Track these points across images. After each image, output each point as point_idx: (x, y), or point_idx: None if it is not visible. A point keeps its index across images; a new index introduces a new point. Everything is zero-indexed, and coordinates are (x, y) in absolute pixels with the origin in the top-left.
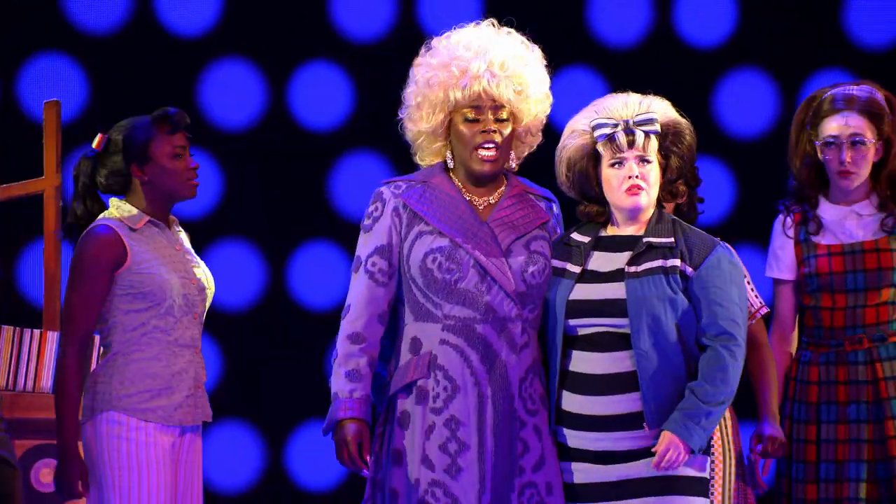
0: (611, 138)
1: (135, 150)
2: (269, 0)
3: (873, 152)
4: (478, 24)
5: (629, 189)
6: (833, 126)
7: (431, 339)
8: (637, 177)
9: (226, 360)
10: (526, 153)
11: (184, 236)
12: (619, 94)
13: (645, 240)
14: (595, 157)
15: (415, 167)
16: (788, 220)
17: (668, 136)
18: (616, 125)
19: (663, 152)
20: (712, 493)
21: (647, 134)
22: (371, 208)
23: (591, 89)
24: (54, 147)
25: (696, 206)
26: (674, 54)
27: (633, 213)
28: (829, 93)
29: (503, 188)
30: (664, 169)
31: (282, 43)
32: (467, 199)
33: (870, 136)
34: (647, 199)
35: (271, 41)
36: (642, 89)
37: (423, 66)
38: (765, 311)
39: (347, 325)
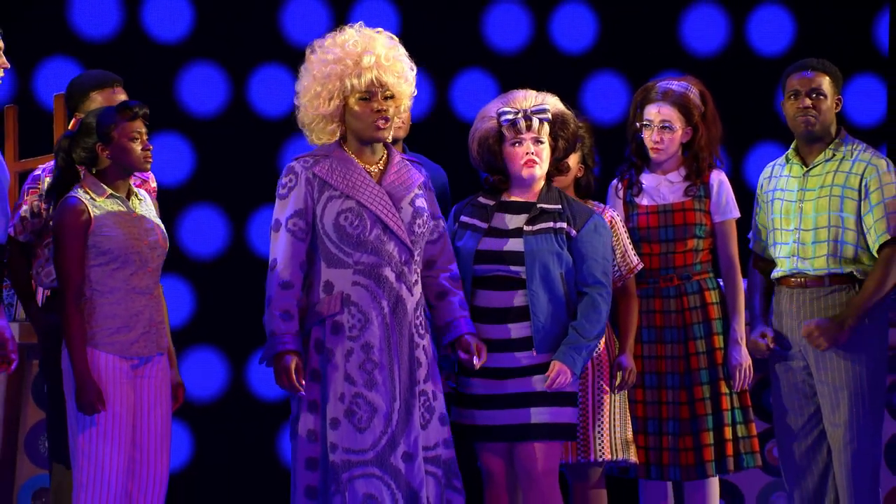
0: (513, 123)
1: (101, 132)
2: (233, 14)
3: (680, 135)
4: (351, 26)
5: (526, 163)
6: (650, 112)
7: (343, 282)
8: (532, 153)
9: (198, 298)
10: (402, 124)
11: (146, 204)
12: (521, 90)
13: (539, 205)
14: (500, 138)
15: None
16: (619, 184)
17: (556, 124)
18: (517, 113)
19: (553, 136)
20: (601, 401)
21: (540, 121)
22: (286, 179)
23: (485, 88)
24: (62, 130)
25: (591, 182)
26: (549, 58)
27: (529, 182)
28: (657, 83)
29: (385, 157)
30: (553, 149)
31: (243, 48)
32: (362, 166)
33: (677, 123)
34: (540, 170)
35: (234, 47)
36: (527, 88)
37: (318, 63)
38: (640, 267)
39: (277, 276)
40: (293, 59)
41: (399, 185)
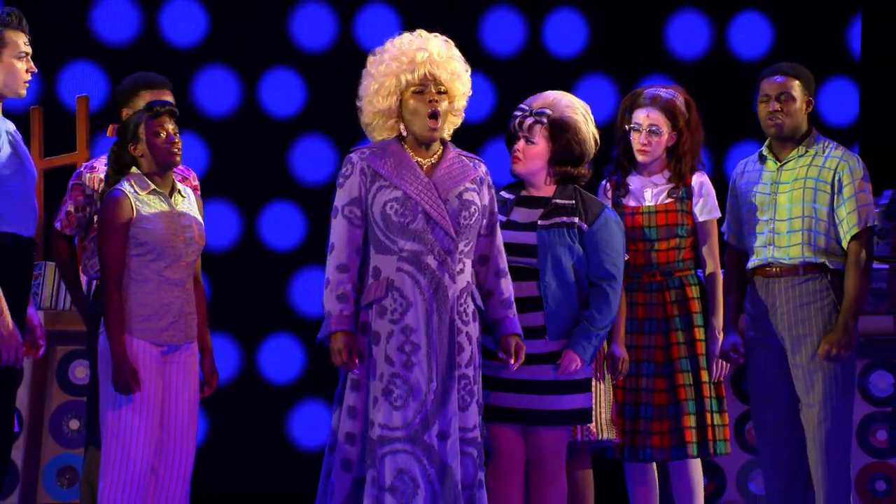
0: (513, 122)
1: (130, 133)
2: (245, 20)
3: (666, 139)
4: (408, 31)
5: (513, 159)
6: (639, 116)
7: (389, 268)
8: (519, 150)
9: (212, 288)
10: (457, 124)
11: (189, 202)
12: (552, 92)
13: (553, 201)
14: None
15: (349, 144)
16: (608, 185)
17: (552, 129)
18: (521, 112)
19: (552, 139)
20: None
21: (535, 122)
22: (344, 169)
23: (482, 90)
24: (84, 130)
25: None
26: (542, 62)
27: (521, 177)
28: (645, 89)
29: (441, 152)
30: (550, 152)
31: (254, 53)
32: (415, 160)
33: (664, 128)
34: (525, 168)
35: (246, 51)
36: (521, 91)
37: (376, 63)
38: (625, 258)
39: (334, 259)
40: (301, 62)
41: (449, 179)
